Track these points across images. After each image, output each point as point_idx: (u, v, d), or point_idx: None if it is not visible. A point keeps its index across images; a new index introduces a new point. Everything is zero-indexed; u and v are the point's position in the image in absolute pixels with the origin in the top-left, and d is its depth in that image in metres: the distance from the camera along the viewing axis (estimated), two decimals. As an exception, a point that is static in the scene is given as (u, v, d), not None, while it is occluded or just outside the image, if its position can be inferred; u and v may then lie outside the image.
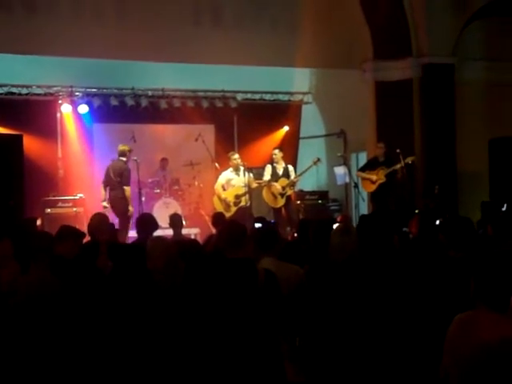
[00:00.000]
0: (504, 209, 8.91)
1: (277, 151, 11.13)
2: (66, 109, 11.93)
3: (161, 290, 3.77)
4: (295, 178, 11.01)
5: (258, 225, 10.49)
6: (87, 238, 5.61)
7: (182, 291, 3.80)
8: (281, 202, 10.88)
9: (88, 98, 12.13)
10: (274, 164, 11.07)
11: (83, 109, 12.00)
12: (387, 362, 3.22)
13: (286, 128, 13.79)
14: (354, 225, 7.20)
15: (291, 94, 14.06)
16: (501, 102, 12.03)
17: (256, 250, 4.65)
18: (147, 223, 6.46)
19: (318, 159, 11.19)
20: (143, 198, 11.04)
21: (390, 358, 3.21)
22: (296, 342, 3.86)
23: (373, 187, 10.82)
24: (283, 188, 10.83)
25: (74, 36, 10.18)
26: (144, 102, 12.42)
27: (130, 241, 8.77)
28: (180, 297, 3.75)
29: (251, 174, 11.02)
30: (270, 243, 4.62)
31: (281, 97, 13.94)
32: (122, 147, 10.51)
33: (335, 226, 4.83)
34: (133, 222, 9.18)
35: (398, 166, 10.47)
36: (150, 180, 11.88)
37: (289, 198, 11.28)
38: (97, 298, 4.00)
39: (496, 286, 2.60)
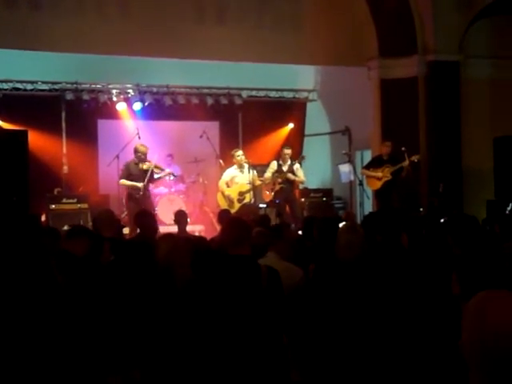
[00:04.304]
0: (509, 208, 8.88)
1: (288, 151, 11.10)
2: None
3: (177, 287, 3.76)
4: (283, 175, 10.99)
5: (262, 205, 10.74)
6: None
7: (191, 289, 3.79)
8: (269, 196, 11.01)
9: (93, 93, 12.15)
10: (281, 161, 11.06)
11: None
12: (393, 364, 3.21)
13: (290, 125, 13.77)
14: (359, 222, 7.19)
15: (296, 91, 14.05)
16: (506, 100, 11.98)
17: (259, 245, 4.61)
18: (149, 218, 6.39)
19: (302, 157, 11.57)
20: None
21: (397, 361, 3.19)
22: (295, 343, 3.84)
23: (378, 185, 10.79)
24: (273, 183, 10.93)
25: (79, 32, 10.19)
26: (148, 99, 12.44)
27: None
28: (190, 294, 3.74)
29: (255, 172, 11.00)
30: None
31: (286, 94, 13.93)
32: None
33: (341, 224, 4.81)
34: None
35: (404, 163, 10.45)
36: (154, 177, 11.87)
37: (293, 195, 11.30)
38: (99, 293, 4.00)
39: None
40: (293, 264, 4.54)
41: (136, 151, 10.46)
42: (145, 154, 10.48)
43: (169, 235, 4.47)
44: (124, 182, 10.36)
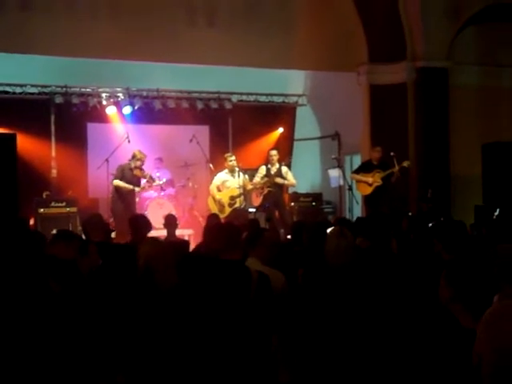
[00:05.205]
0: (497, 213, 8.93)
1: (275, 152, 11.15)
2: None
3: (159, 291, 3.76)
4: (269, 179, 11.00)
5: (252, 209, 10.77)
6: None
7: (176, 292, 3.79)
8: (258, 200, 11.03)
9: (83, 97, 12.11)
10: (269, 165, 11.08)
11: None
12: (381, 368, 3.22)
13: (280, 130, 13.80)
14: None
15: (286, 95, 14.08)
16: (494, 106, 12.08)
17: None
18: (142, 224, 6.40)
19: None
20: (137, 199, 11.05)
21: (385, 365, 3.20)
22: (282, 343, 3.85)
23: (369, 190, 10.79)
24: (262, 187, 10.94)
25: (69, 35, 10.17)
26: (138, 103, 12.42)
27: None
28: (175, 298, 3.74)
29: (246, 176, 11.03)
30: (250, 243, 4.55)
31: (275, 98, 13.95)
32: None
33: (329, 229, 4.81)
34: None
35: (394, 169, 10.48)
36: (144, 181, 11.86)
37: (283, 200, 11.32)
38: (86, 298, 3.99)
39: None
40: (273, 269, 4.50)
41: (134, 157, 10.54)
42: (142, 161, 10.58)
43: (150, 239, 4.49)
44: (118, 182, 10.39)
